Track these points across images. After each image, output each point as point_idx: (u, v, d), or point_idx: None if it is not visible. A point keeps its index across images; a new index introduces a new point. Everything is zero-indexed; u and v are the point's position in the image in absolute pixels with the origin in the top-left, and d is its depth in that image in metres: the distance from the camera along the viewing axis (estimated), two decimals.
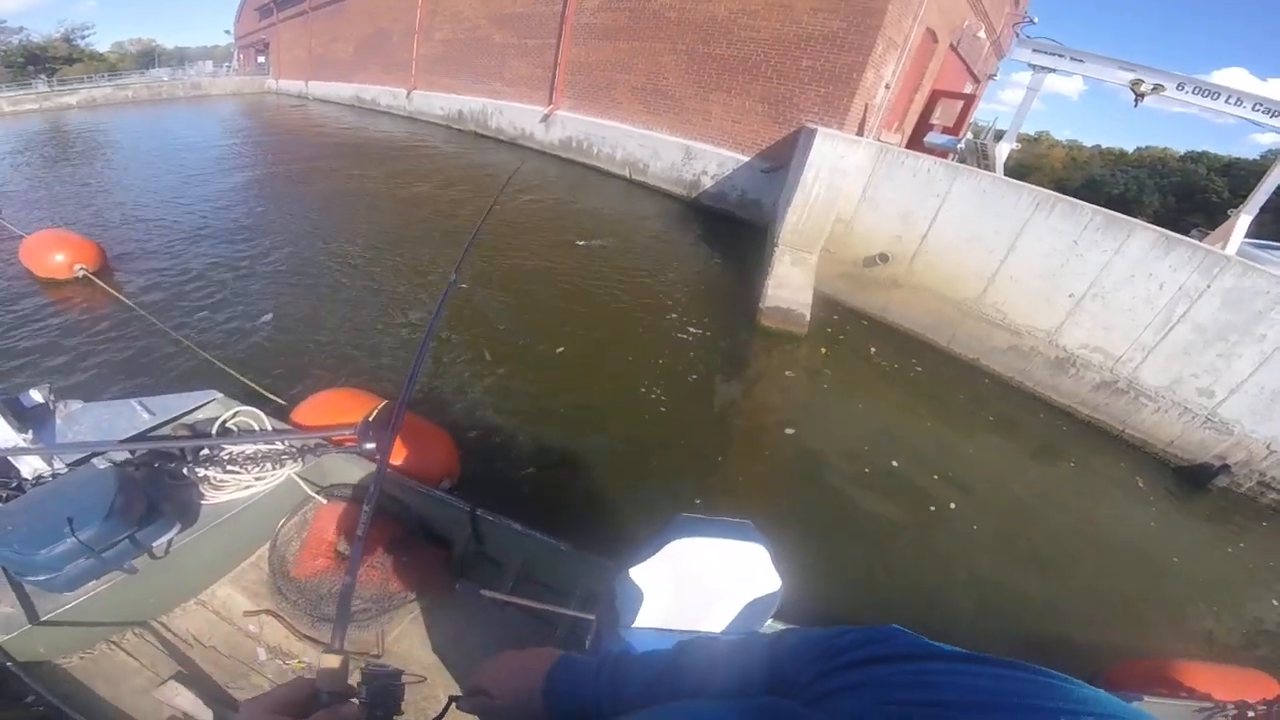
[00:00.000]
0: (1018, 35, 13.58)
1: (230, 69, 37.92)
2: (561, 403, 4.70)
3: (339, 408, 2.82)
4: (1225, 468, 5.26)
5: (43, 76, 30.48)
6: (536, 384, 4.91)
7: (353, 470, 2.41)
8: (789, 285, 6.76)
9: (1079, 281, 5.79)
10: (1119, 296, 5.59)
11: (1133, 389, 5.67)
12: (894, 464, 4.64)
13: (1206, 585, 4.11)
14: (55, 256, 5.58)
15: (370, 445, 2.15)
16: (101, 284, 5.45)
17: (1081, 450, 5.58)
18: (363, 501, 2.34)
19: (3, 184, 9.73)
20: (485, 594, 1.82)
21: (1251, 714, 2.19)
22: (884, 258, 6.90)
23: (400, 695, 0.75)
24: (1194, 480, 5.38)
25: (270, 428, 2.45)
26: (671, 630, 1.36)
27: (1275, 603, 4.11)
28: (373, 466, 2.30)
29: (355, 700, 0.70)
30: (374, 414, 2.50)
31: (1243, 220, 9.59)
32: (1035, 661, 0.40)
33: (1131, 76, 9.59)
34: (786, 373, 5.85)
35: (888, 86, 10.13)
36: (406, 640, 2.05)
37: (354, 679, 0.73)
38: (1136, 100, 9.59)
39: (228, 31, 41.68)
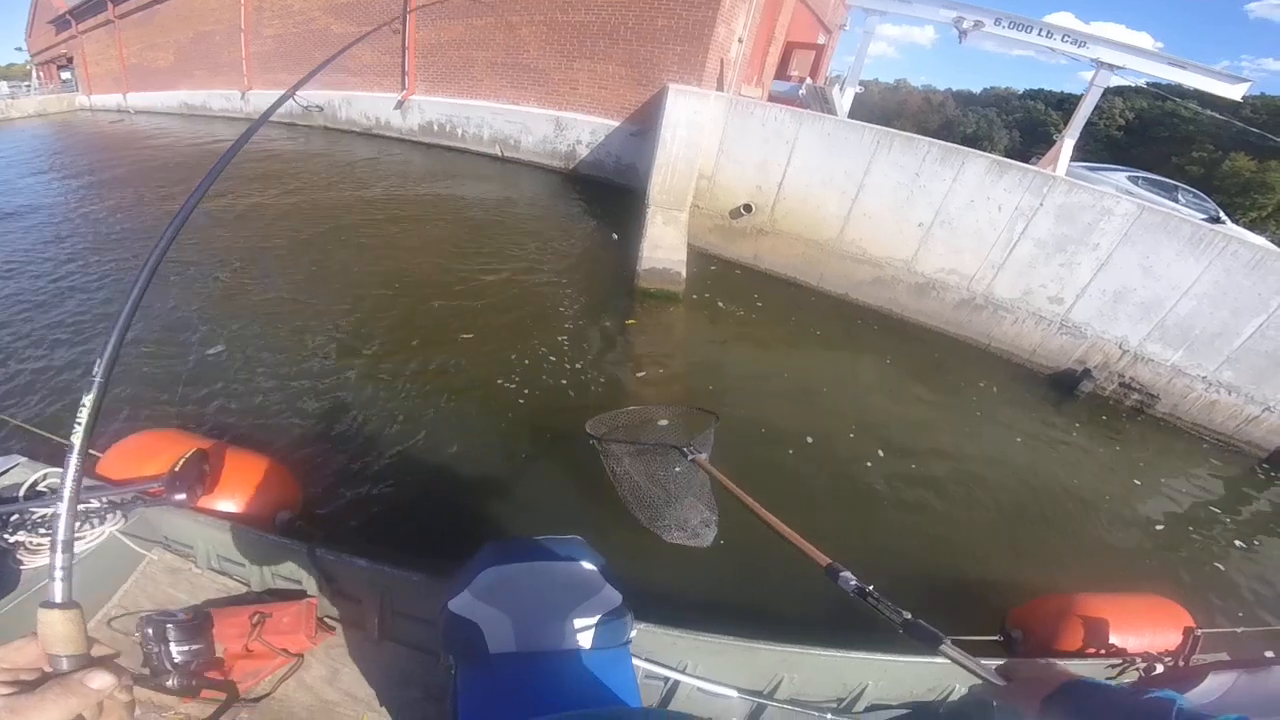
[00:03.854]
0: None
1: (30, 88, 32.65)
2: (414, 407, 4.18)
3: (151, 452, 2.41)
4: (1087, 372, 5.52)
5: None
6: (387, 390, 4.34)
7: (178, 522, 2.20)
8: (663, 245, 6.58)
9: (926, 211, 5.93)
10: (964, 221, 5.76)
11: (990, 304, 5.90)
12: (809, 423, 4.44)
13: (1095, 494, 4.26)
14: None
15: (180, 496, 2.12)
16: None
17: (959, 368, 5.74)
18: (192, 555, 2.21)
19: None
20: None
21: (1159, 667, 2.10)
22: (748, 208, 6.83)
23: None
24: (1063, 386, 5.63)
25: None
26: (536, 653, 1.27)
27: (1158, 501, 4.36)
28: (198, 515, 2.18)
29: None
30: (182, 461, 2.23)
31: (1067, 144, 10.43)
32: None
33: (954, 14, 10.22)
34: (662, 336, 5.58)
35: (740, 40, 10.01)
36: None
37: None
38: (961, 36, 10.21)
39: (19, 49, 35.83)
